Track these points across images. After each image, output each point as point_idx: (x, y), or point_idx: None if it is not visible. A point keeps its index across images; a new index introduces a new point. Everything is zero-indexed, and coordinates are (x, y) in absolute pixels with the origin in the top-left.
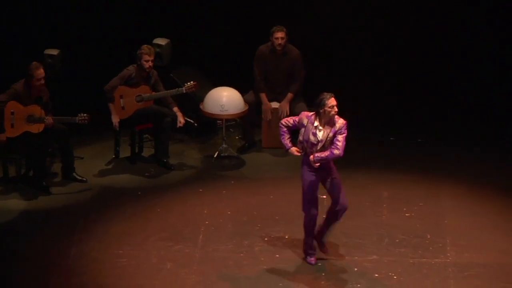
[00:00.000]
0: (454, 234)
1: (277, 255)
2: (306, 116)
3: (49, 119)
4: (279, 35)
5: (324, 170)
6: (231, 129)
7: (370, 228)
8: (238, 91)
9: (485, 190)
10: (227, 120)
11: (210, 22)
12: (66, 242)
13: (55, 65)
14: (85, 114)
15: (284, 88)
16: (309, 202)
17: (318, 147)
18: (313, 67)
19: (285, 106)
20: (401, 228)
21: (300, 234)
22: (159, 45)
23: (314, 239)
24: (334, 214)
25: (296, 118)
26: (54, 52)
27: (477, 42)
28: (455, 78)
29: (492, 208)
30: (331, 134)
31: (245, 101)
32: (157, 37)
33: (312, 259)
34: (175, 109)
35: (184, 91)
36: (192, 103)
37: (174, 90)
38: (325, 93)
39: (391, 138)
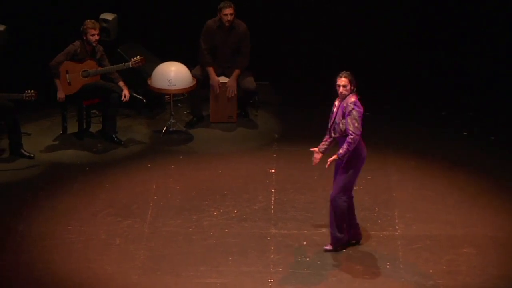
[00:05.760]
0: (402, 207)
1: (226, 230)
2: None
3: None
4: (228, 12)
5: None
6: (179, 104)
7: (319, 202)
8: (186, 65)
9: (432, 164)
10: (174, 95)
11: None
12: (14, 219)
13: (1, 41)
14: (32, 91)
15: (232, 63)
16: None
17: (330, 125)
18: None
19: (232, 83)
20: None
21: (249, 209)
22: (106, 20)
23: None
24: None
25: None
26: (0, 27)
27: None
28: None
29: (439, 181)
30: (340, 114)
31: (193, 75)
32: (103, 12)
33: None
34: (121, 83)
35: (131, 66)
36: (140, 79)
37: (120, 65)
38: (343, 71)
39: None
